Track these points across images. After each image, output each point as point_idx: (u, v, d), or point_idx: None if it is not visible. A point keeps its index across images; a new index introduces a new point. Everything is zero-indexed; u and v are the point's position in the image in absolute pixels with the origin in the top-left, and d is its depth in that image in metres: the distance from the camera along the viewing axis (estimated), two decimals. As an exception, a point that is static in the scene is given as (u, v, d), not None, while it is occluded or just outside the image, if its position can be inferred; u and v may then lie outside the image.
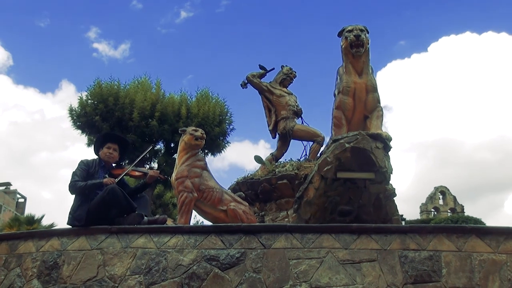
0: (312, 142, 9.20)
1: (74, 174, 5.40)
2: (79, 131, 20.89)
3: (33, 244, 4.95)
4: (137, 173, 5.85)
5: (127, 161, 7.02)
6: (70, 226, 5.16)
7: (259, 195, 8.27)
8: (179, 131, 6.50)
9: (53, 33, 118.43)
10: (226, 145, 22.37)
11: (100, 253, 4.61)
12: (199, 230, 4.71)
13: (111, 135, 6.40)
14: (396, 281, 4.07)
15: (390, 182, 6.16)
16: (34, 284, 4.60)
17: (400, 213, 6.64)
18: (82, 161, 5.57)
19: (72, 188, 5.31)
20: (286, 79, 9.90)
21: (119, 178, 5.49)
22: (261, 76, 9.80)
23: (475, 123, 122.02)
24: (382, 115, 6.96)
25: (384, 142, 5.95)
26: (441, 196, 45.92)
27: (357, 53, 6.80)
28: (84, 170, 5.44)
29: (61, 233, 4.99)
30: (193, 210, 6.07)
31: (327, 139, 8.42)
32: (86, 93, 20.75)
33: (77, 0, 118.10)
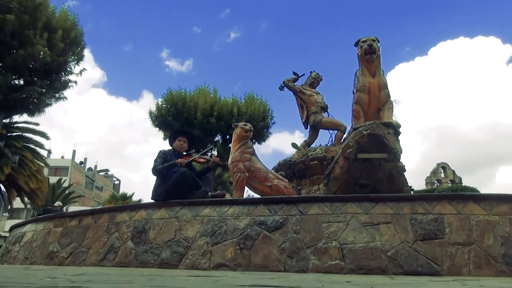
0: (336, 131, 9.07)
1: (155, 160, 5.48)
2: (157, 129, 21.36)
3: (127, 215, 5.07)
4: (202, 160, 5.90)
5: (193, 150, 7.07)
6: (153, 201, 5.26)
7: (296, 173, 8.24)
8: (233, 126, 6.52)
9: (136, 55, 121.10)
10: (269, 135, 22.44)
11: (176, 221, 4.68)
12: (250, 201, 4.72)
13: (181, 131, 6.47)
14: (408, 238, 3.97)
15: (401, 160, 6.00)
16: (129, 244, 4.72)
17: (409, 185, 6.48)
18: (160, 151, 5.65)
19: (154, 170, 5.40)
20: (314, 82, 9.78)
21: (189, 160, 5.56)
22: (295, 80, 9.72)
23: (469, 111, 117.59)
24: (392, 107, 6.82)
25: (395, 128, 5.82)
26: (442, 171, 44.35)
27: (370, 58, 6.69)
28: (162, 157, 5.52)
29: (147, 206, 5.09)
30: (245, 187, 6.09)
31: (348, 128, 8.29)
32: (161, 100, 21.19)
33: (152, 29, 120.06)
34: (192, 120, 20.03)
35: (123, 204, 17.18)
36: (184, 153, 5.93)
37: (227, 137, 21.14)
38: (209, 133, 20.61)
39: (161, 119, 20.65)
